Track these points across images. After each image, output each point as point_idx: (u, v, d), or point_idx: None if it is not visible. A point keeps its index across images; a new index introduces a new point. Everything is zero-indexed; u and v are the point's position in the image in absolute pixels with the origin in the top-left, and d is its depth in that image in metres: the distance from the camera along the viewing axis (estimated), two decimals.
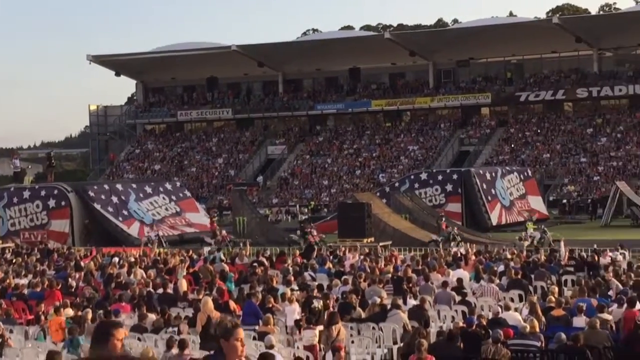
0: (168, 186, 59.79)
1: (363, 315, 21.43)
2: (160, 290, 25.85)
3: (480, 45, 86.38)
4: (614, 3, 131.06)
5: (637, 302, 19.88)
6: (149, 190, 57.24)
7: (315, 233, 46.67)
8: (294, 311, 21.56)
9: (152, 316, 21.23)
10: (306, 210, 50.92)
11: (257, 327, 20.42)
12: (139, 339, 19.57)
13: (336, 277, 27.44)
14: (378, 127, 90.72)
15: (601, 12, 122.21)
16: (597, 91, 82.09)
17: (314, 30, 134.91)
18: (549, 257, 32.08)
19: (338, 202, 65.03)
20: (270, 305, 22.15)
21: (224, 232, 49.23)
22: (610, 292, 23.84)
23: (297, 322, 21.07)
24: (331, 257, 34.62)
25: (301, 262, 33.15)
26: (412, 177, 60.71)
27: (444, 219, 49.07)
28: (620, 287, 24.07)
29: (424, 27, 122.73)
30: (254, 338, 19.08)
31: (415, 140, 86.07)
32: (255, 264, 31.59)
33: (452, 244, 42.48)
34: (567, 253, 33.28)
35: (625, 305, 19.87)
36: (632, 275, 25.52)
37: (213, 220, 52.94)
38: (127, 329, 20.02)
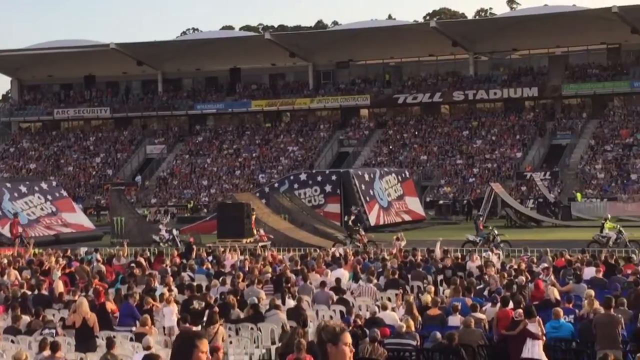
0: (44, 185, 58.65)
1: (242, 315, 21.40)
2: (35, 292, 25.34)
3: (359, 47, 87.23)
4: (490, 8, 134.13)
5: (510, 301, 20.32)
6: (23, 189, 56.04)
7: (362, 233, 45.42)
8: (172, 312, 21.40)
9: (26, 318, 20.79)
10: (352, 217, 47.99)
11: (134, 329, 20.24)
12: (12, 341, 19.17)
13: (215, 278, 27.34)
14: (258, 127, 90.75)
15: (477, 17, 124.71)
16: (472, 94, 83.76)
17: (194, 30, 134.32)
18: (425, 257, 32.56)
19: (217, 202, 64.85)
20: (150, 306, 21.95)
21: (261, 231, 46.87)
22: (485, 292, 24.35)
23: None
24: (209, 258, 34.46)
25: (180, 262, 32.94)
26: (292, 177, 60.91)
27: (481, 219, 47.83)
28: (495, 286, 24.60)
29: (304, 28, 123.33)
30: (131, 339, 18.89)
31: (295, 141, 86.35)
32: (132, 265, 31.24)
33: (492, 244, 39.44)
34: (442, 253, 33.82)
35: (498, 305, 20.30)
36: (505, 275, 26.08)
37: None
38: (0, 330, 19.62)
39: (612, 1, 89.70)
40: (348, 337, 7.41)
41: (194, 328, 19.24)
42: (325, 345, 7.38)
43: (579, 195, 65.29)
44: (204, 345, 7.33)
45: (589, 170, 72.76)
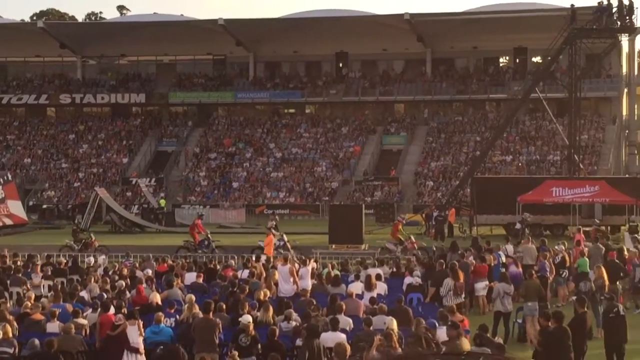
0: None
1: None
2: None
3: None
4: (100, 12, 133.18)
5: (112, 306, 20.41)
6: None
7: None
8: None
9: None
10: None
11: None
12: None
13: None
14: None
15: (87, 20, 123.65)
16: (80, 98, 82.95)
17: None
18: (26, 263, 31.85)
19: None
20: None
21: (412, 237, 40.01)
22: (87, 297, 24.19)
23: None
24: None
25: None
26: None
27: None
28: (97, 291, 24.57)
29: None
30: None
31: None
32: None
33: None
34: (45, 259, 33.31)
35: (99, 310, 20.32)
36: (108, 279, 26.13)
37: (399, 227, 41.00)
38: None
39: (219, 14, 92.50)
40: None
41: None
42: None
43: (162, 201, 66.30)
44: None
45: (193, 178, 74.41)
